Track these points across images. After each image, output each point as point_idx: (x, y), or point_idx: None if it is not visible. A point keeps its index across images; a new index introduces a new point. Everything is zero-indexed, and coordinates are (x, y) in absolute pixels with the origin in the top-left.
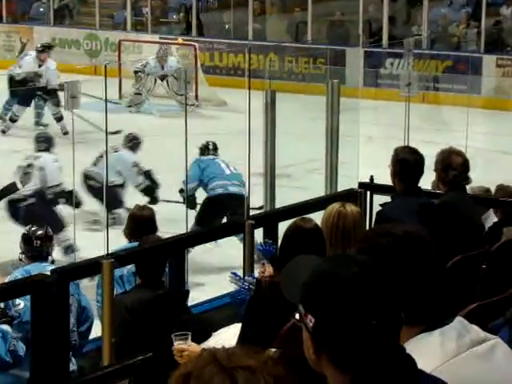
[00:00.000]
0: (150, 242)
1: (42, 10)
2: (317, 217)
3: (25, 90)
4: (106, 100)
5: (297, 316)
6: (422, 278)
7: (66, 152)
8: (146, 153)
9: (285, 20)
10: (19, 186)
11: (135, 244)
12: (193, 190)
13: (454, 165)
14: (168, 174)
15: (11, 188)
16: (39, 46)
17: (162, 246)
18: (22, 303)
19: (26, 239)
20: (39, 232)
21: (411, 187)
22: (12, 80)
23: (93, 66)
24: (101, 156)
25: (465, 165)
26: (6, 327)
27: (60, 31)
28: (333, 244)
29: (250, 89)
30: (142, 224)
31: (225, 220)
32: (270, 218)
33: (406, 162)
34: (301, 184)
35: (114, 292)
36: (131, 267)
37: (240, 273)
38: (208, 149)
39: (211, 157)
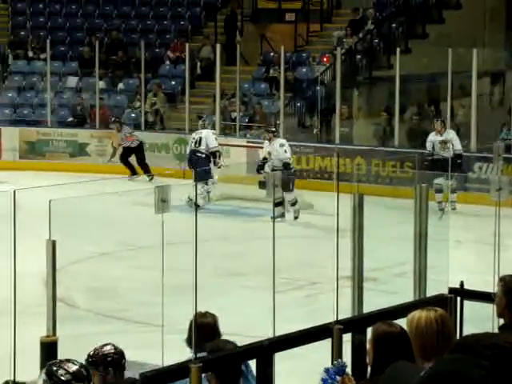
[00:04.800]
0: (225, 349)
1: (133, 115)
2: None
3: None
4: (196, 204)
5: None
6: None
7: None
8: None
9: (371, 124)
10: None
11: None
12: None
13: None
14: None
15: None
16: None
17: (248, 350)
18: None
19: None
20: (74, 368)
21: None
22: None
23: (182, 170)
24: None
25: None
26: None
27: (150, 136)
28: (430, 350)
29: (338, 192)
30: (204, 331)
31: None
32: (358, 323)
33: None
34: (388, 288)
35: None
36: None
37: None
38: None
39: None
